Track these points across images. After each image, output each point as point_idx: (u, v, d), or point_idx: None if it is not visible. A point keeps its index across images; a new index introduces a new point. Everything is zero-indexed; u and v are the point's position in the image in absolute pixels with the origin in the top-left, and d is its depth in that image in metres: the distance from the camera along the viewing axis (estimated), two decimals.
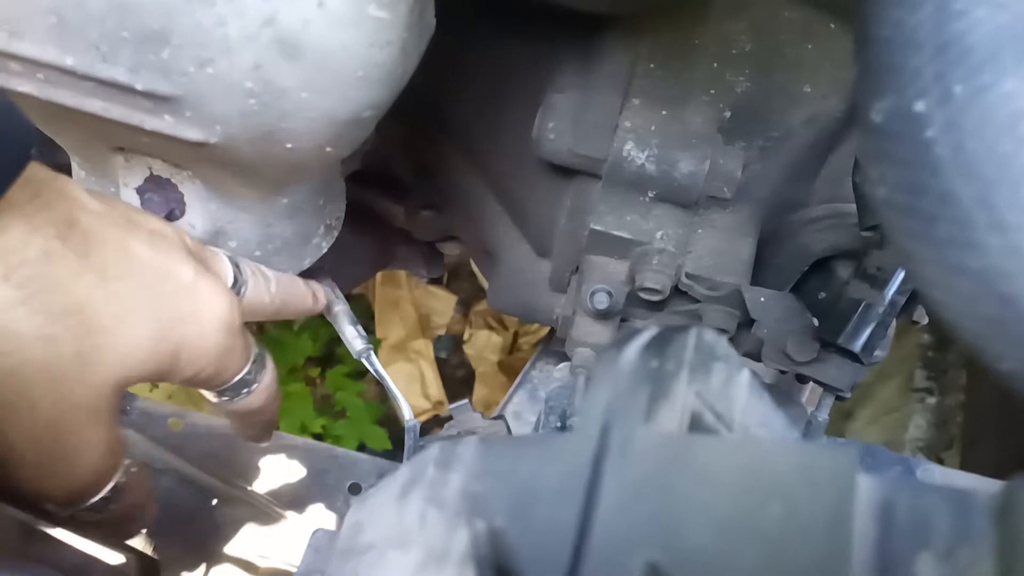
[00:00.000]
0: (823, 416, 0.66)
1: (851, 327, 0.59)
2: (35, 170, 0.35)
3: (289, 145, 0.44)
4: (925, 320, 0.65)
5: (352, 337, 0.64)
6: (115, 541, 0.39)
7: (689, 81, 0.57)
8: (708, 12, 0.55)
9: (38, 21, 0.39)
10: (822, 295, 0.63)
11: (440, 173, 0.73)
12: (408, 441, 0.63)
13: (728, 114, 0.58)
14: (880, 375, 1.46)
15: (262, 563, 0.72)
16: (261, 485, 0.74)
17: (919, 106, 0.28)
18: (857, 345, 0.59)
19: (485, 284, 1.53)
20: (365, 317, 1.77)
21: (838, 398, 0.65)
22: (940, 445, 1.36)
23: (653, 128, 0.58)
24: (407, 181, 0.80)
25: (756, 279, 0.63)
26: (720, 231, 0.62)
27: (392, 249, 0.90)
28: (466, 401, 0.63)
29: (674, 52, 0.56)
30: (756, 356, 0.65)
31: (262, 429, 0.53)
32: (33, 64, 0.41)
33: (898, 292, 0.57)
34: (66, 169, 0.51)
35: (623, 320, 0.66)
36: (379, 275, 1.75)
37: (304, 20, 0.39)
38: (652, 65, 0.57)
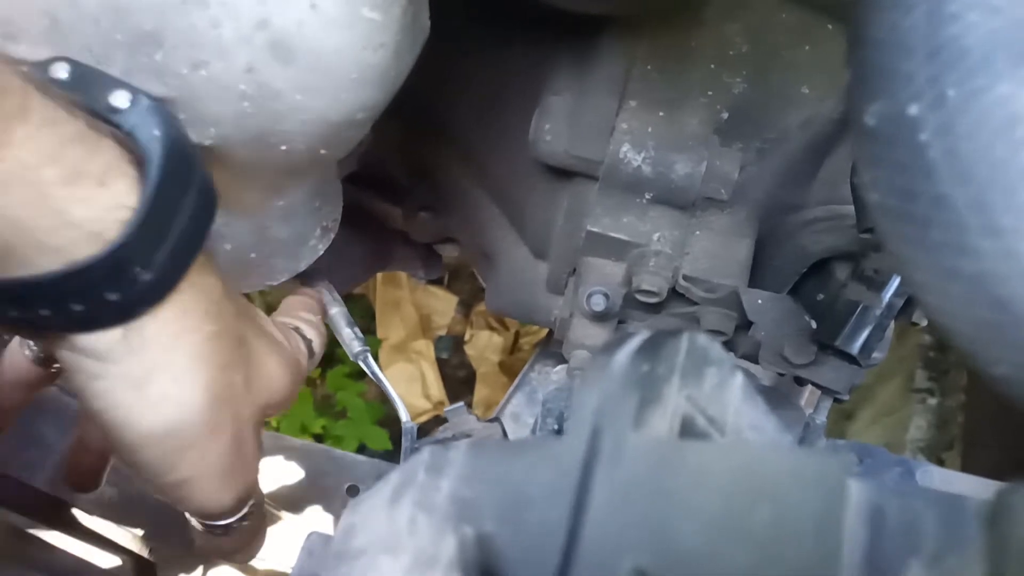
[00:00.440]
0: (821, 418, 0.66)
1: (848, 329, 0.59)
2: None
3: (283, 147, 0.44)
4: (925, 321, 0.65)
5: (349, 339, 0.64)
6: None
7: (686, 83, 0.57)
8: (705, 14, 0.55)
9: (32, 23, 0.39)
10: (820, 297, 0.63)
11: (437, 175, 0.73)
12: (405, 443, 0.63)
13: (725, 116, 0.58)
14: (881, 376, 1.46)
15: (260, 565, 0.72)
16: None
17: (912, 110, 0.28)
18: (855, 347, 0.59)
19: None
20: (366, 317, 1.77)
21: (836, 400, 0.65)
22: (941, 446, 1.36)
23: (650, 130, 0.58)
24: (404, 183, 0.80)
25: (754, 281, 0.63)
26: (717, 233, 0.61)
27: (389, 251, 0.89)
28: (461, 404, 0.63)
29: (671, 54, 0.56)
30: (754, 358, 0.65)
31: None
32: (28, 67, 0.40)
33: (895, 295, 0.57)
34: None
35: (620, 322, 0.66)
36: (380, 275, 1.75)
37: (297, 22, 0.39)
38: (648, 67, 0.57)
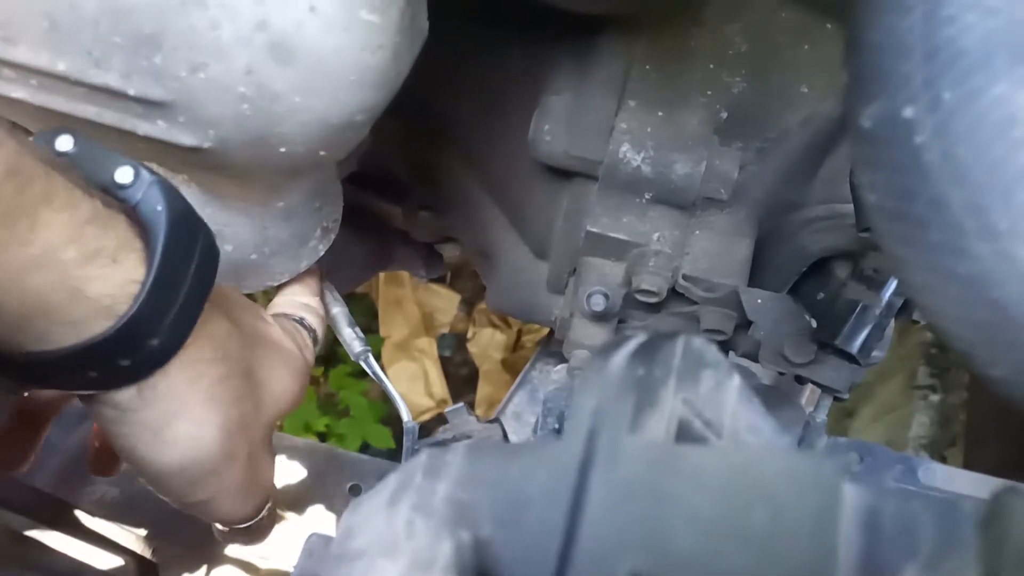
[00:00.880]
0: (821, 417, 0.66)
1: (848, 328, 0.59)
2: None
3: (283, 149, 0.44)
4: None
5: (350, 339, 0.64)
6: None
7: (685, 83, 0.57)
8: (704, 14, 0.55)
9: (32, 26, 0.40)
10: (820, 296, 0.63)
11: (438, 175, 0.73)
12: (406, 443, 0.63)
13: (724, 115, 0.58)
14: (882, 373, 1.46)
15: (262, 564, 0.72)
16: None
17: (908, 112, 0.28)
18: (854, 346, 0.59)
19: None
20: (369, 316, 1.78)
21: (836, 399, 0.65)
22: (943, 443, 1.36)
23: (649, 130, 0.58)
24: (404, 182, 0.80)
25: (754, 280, 0.63)
26: (717, 233, 0.61)
27: (390, 250, 0.89)
28: (462, 404, 0.63)
29: (670, 54, 0.56)
30: (754, 357, 0.65)
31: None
32: (27, 70, 0.41)
33: (895, 294, 0.57)
34: None
35: (621, 322, 0.66)
36: (382, 274, 1.75)
37: (296, 24, 0.39)
38: (648, 67, 0.57)
